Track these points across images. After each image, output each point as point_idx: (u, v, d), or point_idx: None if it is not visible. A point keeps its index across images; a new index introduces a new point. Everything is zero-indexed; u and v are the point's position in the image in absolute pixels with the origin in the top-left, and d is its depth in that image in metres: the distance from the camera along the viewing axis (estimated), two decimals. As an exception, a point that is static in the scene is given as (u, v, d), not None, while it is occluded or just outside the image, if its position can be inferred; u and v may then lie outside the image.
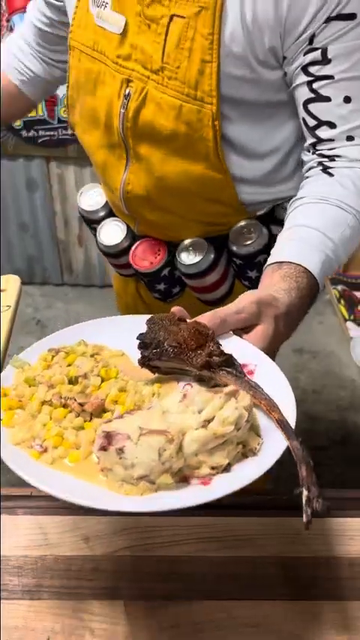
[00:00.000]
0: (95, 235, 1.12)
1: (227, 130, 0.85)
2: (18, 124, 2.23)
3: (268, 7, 0.75)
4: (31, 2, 1.08)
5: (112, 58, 0.86)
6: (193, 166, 0.89)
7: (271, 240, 0.96)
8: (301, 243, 0.78)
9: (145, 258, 1.06)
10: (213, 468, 0.50)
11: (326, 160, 0.84)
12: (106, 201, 1.10)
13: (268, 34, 0.77)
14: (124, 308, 1.27)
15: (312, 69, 0.78)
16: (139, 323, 0.66)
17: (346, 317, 2.49)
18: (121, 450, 0.48)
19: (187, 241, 1.02)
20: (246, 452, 0.52)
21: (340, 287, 2.59)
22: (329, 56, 0.77)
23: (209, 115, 0.82)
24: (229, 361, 0.62)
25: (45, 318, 2.53)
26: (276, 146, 0.91)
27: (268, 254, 0.82)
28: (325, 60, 0.77)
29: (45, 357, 0.65)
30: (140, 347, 0.64)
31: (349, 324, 2.46)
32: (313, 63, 0.78)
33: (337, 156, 0.83)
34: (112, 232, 1.09)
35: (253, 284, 0.94)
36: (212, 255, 1.01)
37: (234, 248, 1.00)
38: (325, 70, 0.78)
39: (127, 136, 0.89)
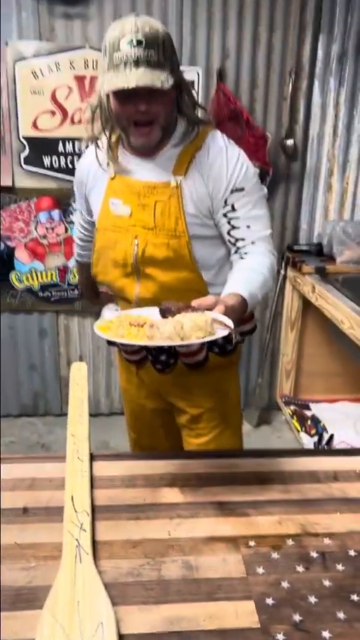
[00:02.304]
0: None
1: (194, 252, 1.50)
2: (35, 286, 2.95)
3: (202, 189, 1.45)
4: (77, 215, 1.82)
5: (126, 227, 1.52)
6: (180, 273, 1.52)
7: None
8: (236, 285, 1.38)
9: None
10: (197, 338, 1.07)
11: (243, 254, 1.49)
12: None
13: (205, 202, 1.46)
14: (129, 400, 1.82)
15: (229, 215, 1.43)
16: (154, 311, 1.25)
17: (299, 429, 3.02)
18: (157, 327, 1.05)
19: None
20: (212, 334, 1.09)
21: (292, 407, 3.17)
22: (235, 207, 1.42)
23: (184, 243, 1.48)
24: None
25: (48, 442, 2.99)
26: (218, 259, 1.57)
27: None
28: (233, 210, 1.42)
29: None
30: (160, 312, 1.22)
31: (302, 435, 2.99)
32: (228, 212, 1.43)
33: (248, 252, 1.48)
34: None
35: (221, 352, 1.55)
36: None
37: None
38: (235, 215, 1.43)
39: (138, 264, 1.53)
